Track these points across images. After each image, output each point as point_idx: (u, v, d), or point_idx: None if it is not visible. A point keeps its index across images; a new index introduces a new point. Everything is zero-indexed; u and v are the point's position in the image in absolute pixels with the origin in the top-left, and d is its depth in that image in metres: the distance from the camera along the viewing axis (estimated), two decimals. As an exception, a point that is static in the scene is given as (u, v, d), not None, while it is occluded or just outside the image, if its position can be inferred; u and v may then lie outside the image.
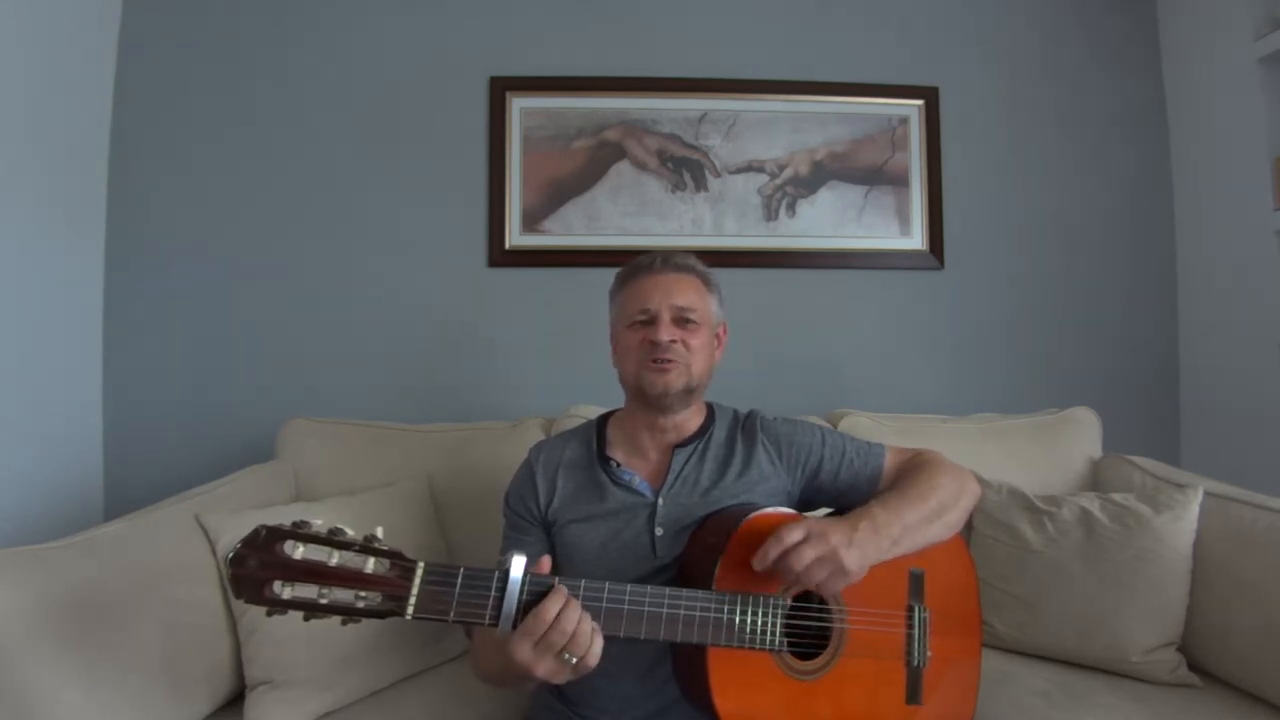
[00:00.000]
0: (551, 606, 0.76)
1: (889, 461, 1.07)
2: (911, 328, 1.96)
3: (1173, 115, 2.00)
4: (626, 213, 1.92)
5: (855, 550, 0.84)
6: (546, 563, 0.82)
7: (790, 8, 1.97)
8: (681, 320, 1.05)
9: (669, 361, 1.02)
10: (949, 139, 1.97)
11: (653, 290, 1.05)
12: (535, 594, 0.78)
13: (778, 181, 1.95)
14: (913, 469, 1.04)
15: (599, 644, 0.78)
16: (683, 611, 0.84)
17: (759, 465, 1.06)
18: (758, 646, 0.86)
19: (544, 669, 0.77)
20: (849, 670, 0.92)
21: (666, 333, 1.03)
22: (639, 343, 1.04)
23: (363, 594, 0.72)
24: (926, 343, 1.97)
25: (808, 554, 0.82)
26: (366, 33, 1.90)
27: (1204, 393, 1.93)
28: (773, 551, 0.84)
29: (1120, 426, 1.77)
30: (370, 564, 0.73)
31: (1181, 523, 1.28)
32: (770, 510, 0.94)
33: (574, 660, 0.77)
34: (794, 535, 0.83)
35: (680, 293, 1.06)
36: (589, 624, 0.78)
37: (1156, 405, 1.99)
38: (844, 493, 1.07)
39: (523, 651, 0.76)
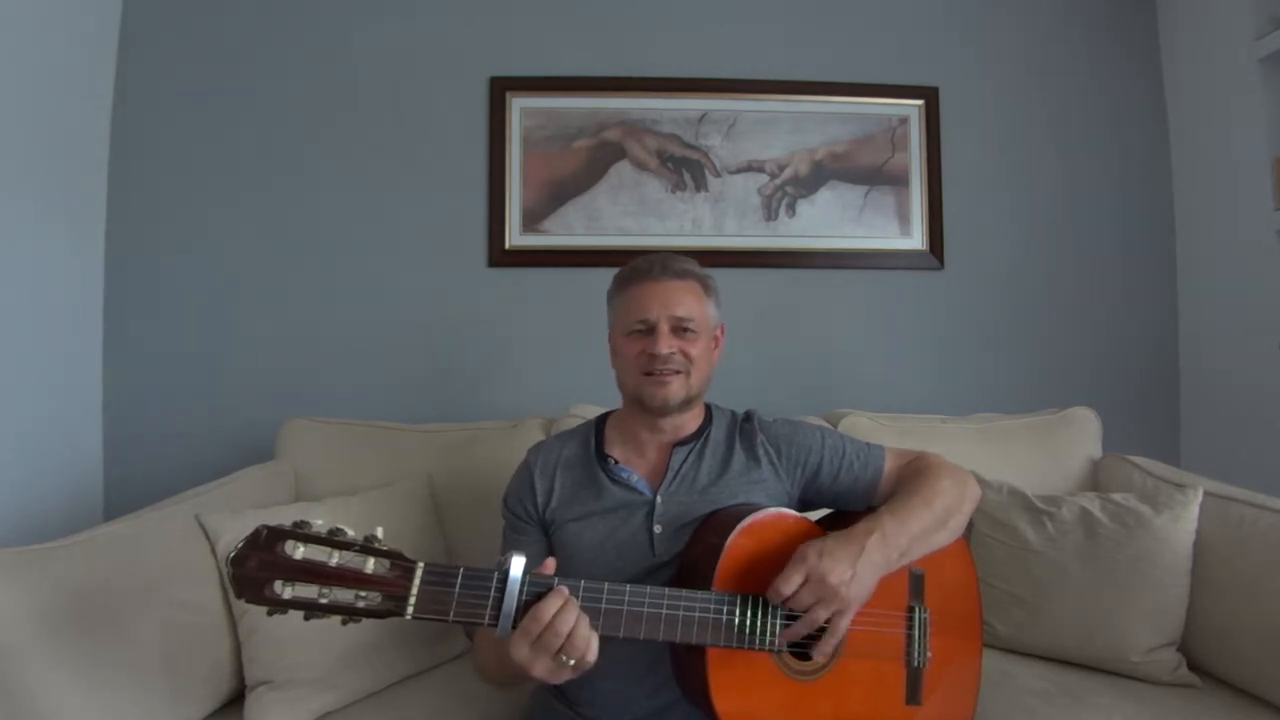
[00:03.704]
0: (549, 607, 0.76)
1: (889, 464, 1.07)
2: (911, 328, 1.96)
3: (1173, 115, 2.00)
4: (627, 213, 1.92)
5: (859, 581, 0.85)
6: (551, 564, 0.82)
7: (790, 8, 1.97)
8: (680, 330, 1.04)
9: (668, 374, 1.02)
10: (949, 139, 1.97)
11: (650, 300, 1.04)
12: (535, 594, 0.78)
13: (778, 181, 1.95)
14: (914, 473, 1.03)
15: (595, 646, 0.78)
16: (682, 612, 0.84)
17: (758, 466, 1.06)
18: (757, 647, 0.86)
19: (541, 669, 0.77)
20: (849, 671, 0.92)
21: (666, 345, 1.02)
22: (637, 354, 1.04)
23: (363, 594, 0.72)
24: (926, 343, 1.97)
25: (807, 600, 0.84)
26: (366, 32, 1.90)
27: (1204, 392, 1.93)
28: (773, 603, 0.86)
29: (1120, 426, 1.77)
30: (370, 564, 0.73)
31: (1181, 523, 1.28)
32: (771, 511, 0.94)
33: (570, 661, 0.77)
34: (792, 583, 0.84)
35: (679, 302, 1.04)
36: (586, 626, 0.78)
37: (1156, 405, 1.99)
38: (842, 495, 1.07)
39: (520, 651, 0.77)
